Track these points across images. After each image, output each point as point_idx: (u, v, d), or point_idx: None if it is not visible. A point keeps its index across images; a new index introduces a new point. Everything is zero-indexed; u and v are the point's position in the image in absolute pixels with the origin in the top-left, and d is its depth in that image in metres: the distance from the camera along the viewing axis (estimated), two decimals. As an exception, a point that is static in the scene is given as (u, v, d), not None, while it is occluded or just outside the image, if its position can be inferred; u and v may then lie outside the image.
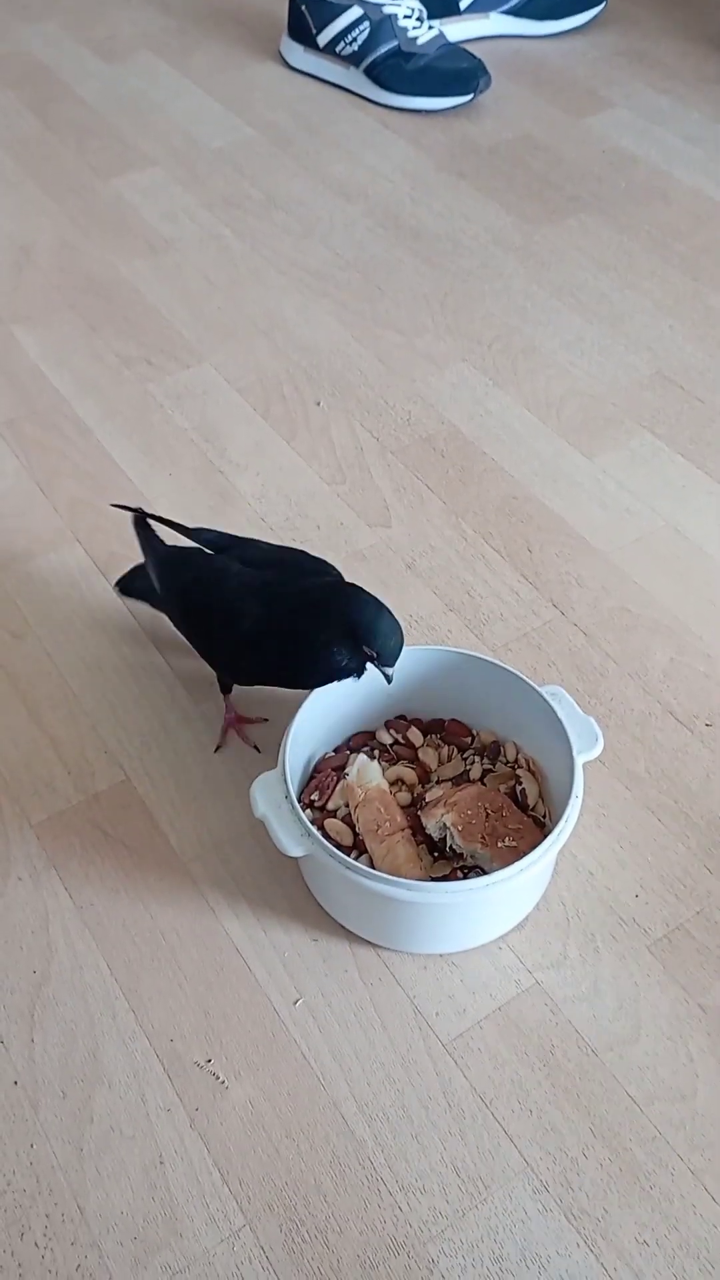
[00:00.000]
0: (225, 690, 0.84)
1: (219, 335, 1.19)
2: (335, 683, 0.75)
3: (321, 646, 0.73)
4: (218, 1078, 0.69)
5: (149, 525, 0.84)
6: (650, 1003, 0.73)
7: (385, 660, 0.74)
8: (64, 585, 0.96)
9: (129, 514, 0.85)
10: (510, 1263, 0.63)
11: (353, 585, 0.76)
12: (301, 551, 0.81)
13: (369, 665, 0.74)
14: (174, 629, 0.85)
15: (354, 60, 1.53)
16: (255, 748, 0.84)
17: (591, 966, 0.74)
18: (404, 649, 0.75)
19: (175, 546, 0.83)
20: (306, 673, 0.75)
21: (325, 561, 0.80)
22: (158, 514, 0.85)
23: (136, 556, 0.91)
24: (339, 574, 0.79)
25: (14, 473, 1.05)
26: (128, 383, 1.14)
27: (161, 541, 0.84)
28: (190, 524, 0.85)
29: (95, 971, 0.73)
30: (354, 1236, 0.64)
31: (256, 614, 0.75)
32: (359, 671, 0.75)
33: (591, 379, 1.16)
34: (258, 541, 0.83)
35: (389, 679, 0.75)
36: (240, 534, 0.84)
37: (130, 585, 0.94)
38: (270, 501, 1.03)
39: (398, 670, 0.75)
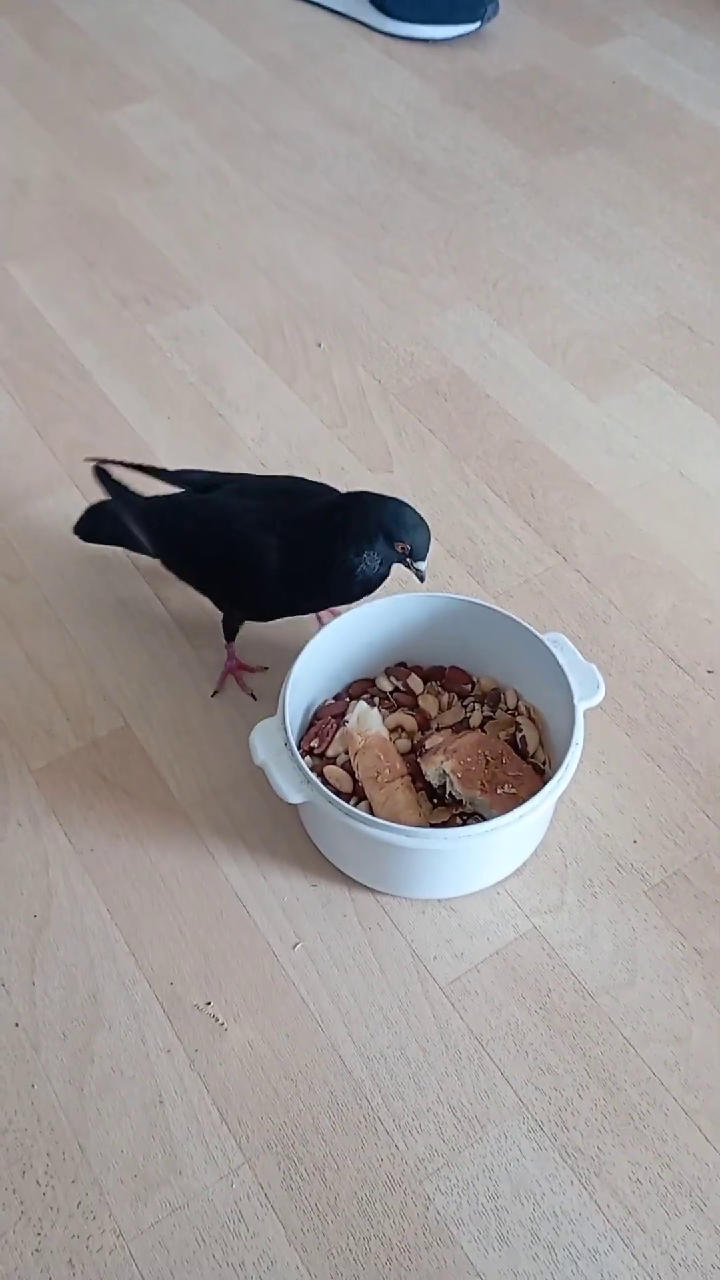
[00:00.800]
0: (230, 636, 0.83)
1: (218, 274, 1.17)
2: (369, 592, 0.75)
3: (353, 555, 0.72)
4: (217, 1020, 0.70)
5: (113, 479, 0.81)
6: (647, 947, 0.73)
7: (417, 553, 0.73)
8: (61, 529, 0.95)
9: (130, 454, 0.83)
10: (504, 1199, 0.64)
11: (363, 491, 0.75)
12: (297, 477, 0.80)
13: (402, 565, 0.74)
14: (168, 573, 0.84)
15: (357, -15, 1.48)
16: (252, 695, 0.84)
17: (589, 911, 0.75)
18: (404, 596, 0.74)
19: (158, 496, 0.81)
20: (339, 590, 0.75)
21: (325, 484, 0.78)
22: (125, 460, 0.82)
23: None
24: (339, 493, 0.78)
25: (9, 415, 1.04)
26: (126, 323, 1.12)
27: (132, 492, 0.81)
28: (193, 468, 0.83)
29: (95, 915, 0.74)
30: (351, 1174, 0.65)
31: (276, 545, 0.73)
32: (387, 571, 0.75)
33: (598, 319, 1.13)
34: (247, 475, 0.81)
35: (422, 575, 0.75)
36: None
37: (95, 531, 0.88)
38: (270, 445, 1.01)
39: (398, 616, 0.75)
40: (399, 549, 0.73)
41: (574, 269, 1.19)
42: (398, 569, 0.76)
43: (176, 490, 0.81)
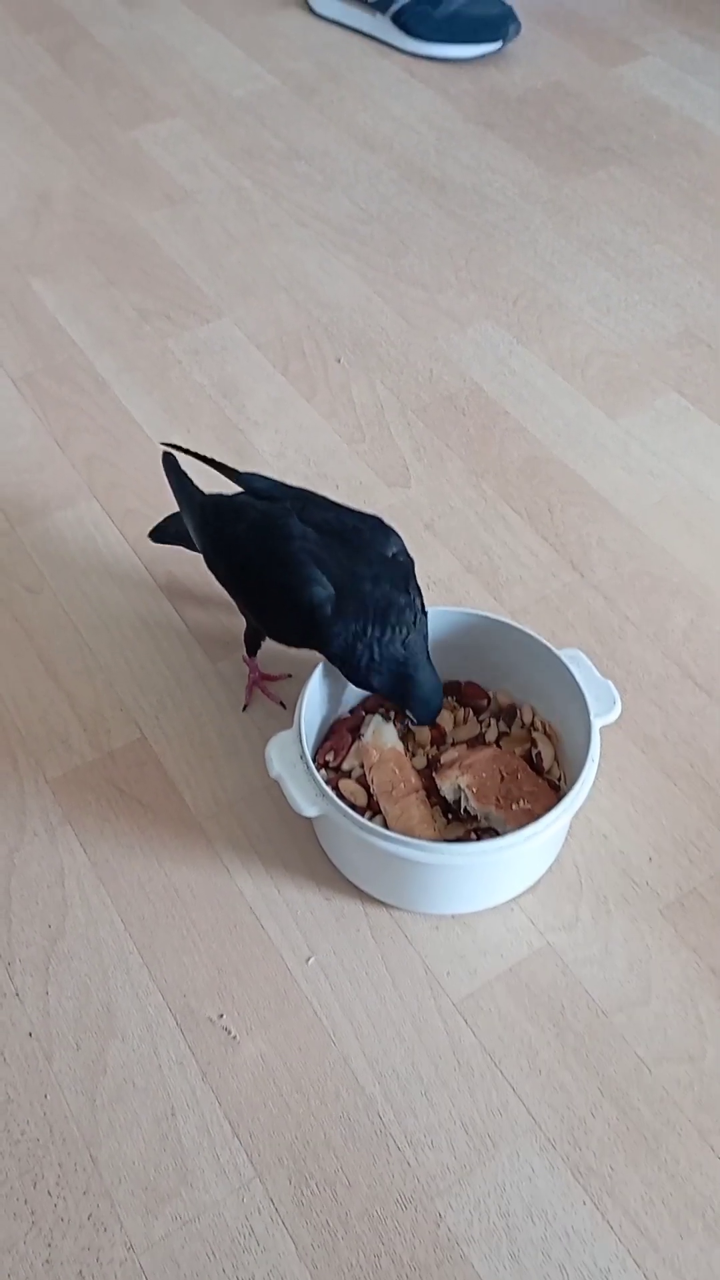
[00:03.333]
0: (252, 651, 0.83)
1: (238, 290, 1.18)
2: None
3: (377, 670, 0.72)
4: (229, 1032, 0.70)
5: (180, 468, 0.80)
6: (661, 965, 0.73)
7: (419, 719, 0.75)
8: (80, 541, 0.95)
9: (149, 467, 0.83)
10: (516, 1218, 0.64)
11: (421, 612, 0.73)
12: (359, 515, 0.76)
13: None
14: (201, 582, 0.83)
15: (380, 6, 1.49)
16: (281, 704, 0.84)
17: (603, 929, 0.74)
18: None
19: (219, 494, 0.79)
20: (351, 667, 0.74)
21: (394, 533, 0.75)
22: (203, 454, 0.81)
23: (153, 513, 0.91)
24: (406, 553, 0.75)
25: (31, 427, 1.04)
26: (146, 337, 1.13)
27: (196, 487, 0.80)
28: (259, 473, 0.81)
29: (109, 927, 0.74)
30: (362, 1190, 0.65)
31: (322, 580, 0.71)
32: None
33: (618, 337, 1.14)
34: (315, 495, 0.78)
35: (415, 723, 0.77)
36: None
37: (164, 531, 0.88)
38: (289, 460, 1.02)
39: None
40: (405, 710, 0.74)
41: (593, 287, 1.19)
42: None
43: (237, 491, 0.79)
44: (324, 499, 0.78)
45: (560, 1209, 0.64)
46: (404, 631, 0.71)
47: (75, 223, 1.25)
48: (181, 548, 0.87)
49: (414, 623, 0.72)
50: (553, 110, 1.41)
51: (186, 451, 0.82)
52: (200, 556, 0.81)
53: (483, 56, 1.48)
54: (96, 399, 1.07)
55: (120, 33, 1.53)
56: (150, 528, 0.90)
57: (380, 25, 1.51)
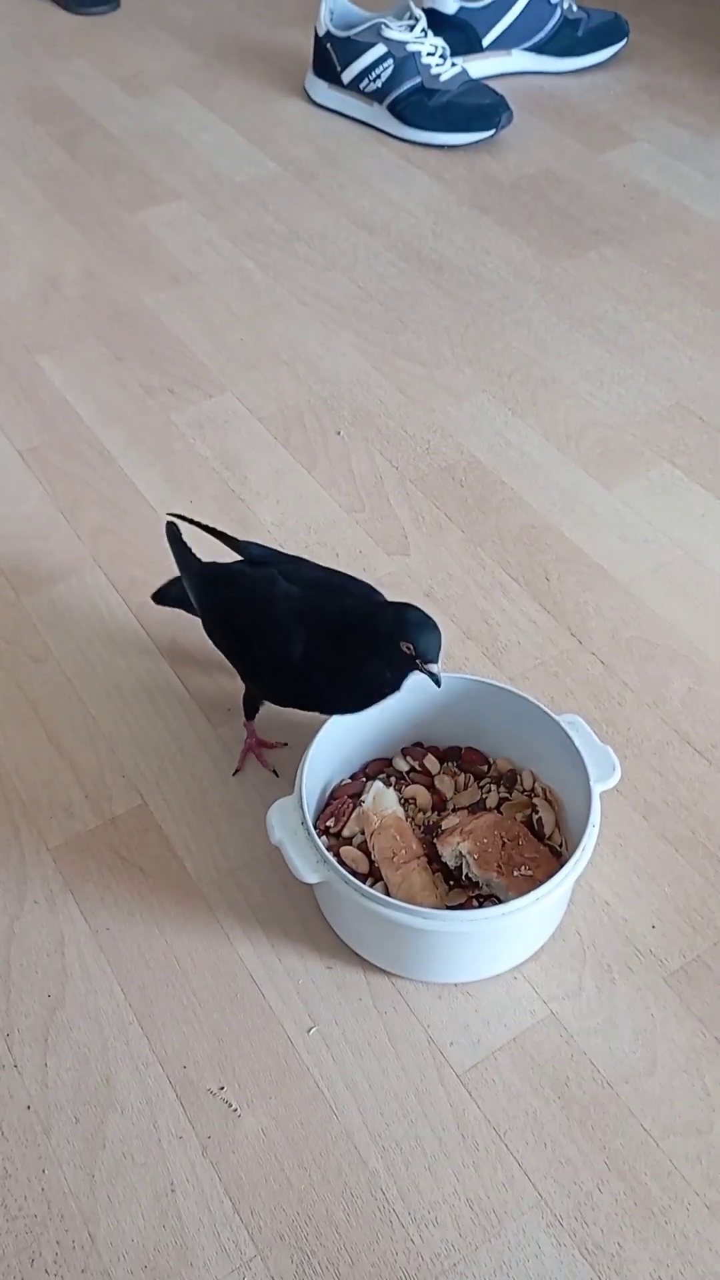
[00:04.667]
0: (250, 715, 0.84)
1: (241, 365, 1.21)
2: (375, 702, 0.74)
3: (361, 661, 0.72)
4: (230, 1105, 0.69)
5: (182, 538, 0.83)
6: (666, 1035, 0.72)
7: (425, 655, 0.71)
8: (85, 610, 0.97)
9: (153, 536, 0.84)
10: (523, 1298, 0.62)
11: (389, 603, 0.75)
12: (350, 576, 0.79)
13: (414, 672, 0.72)
14: (203, 648, 0.84)
15: (378, 96, 1.55)
16: (274, 772, 0.84)
17: (607, 997, 0.74)
18: (421, 676, 0.74)
19: (214, 562, 0.82)
20: (349, 694, 0.74)
21: (372, 587, 0.78)
22: (204, 523, 0.83)
23: (156, 581, 0.92)
24: (383, 599, 0.77)
25: (38, 499, 1.06)
26: (151, 411, 1.15)
27: (195, 556, 0.83)
28: (257, 541, 0.83)
29: (109, 996, 0.73)
30: (365, 1269, 0.63)
31: (303, 638, 0.73)
32: (398, 683, 0.73)
33: (611, 410, 1.16)
34: (305, 561, 0.81)
35: (437, 680, 0.72)
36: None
37: (166, 594, 0.91)
38: (290, 529, 1.04)
39: (415, 697, 0.75)
40: (404, 650, 0.71)
41: (587, 362, 1.22)
42: None
43: (235, 559, 0.82)
44: (318, 565, 0.80)
45: (568, 1288, 0.63)
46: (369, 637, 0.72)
47: (83, 303, 1.28)
48: (182, 611, 0.89)
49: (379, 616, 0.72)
50: (544, 194, 1.46)
51: (190, 521, 0.84)
52: (200, 621, 0.83)
53: (476, 143, 1.54)
54: (102, 471, 1.09)
55: (128, 121, 1.59)
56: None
57: (377, 114, 1.57)
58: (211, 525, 0.84)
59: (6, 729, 0.88)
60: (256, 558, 0.81)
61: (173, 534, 0.83)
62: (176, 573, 0.85)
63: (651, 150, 1.54)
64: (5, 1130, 0.68)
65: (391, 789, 0.79)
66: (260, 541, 1.03)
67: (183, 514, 0.85)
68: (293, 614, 0.75)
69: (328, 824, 0.78)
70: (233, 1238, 0.64)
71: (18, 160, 1.50)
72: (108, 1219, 0.65)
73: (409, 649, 0.71)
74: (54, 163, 1.51)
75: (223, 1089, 0.70)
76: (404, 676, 0.73)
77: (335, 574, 0.80)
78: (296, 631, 0.74)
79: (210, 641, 0.82)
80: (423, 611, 0.72)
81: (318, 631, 0.74)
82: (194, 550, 0.83)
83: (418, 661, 0.71)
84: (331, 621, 0.74)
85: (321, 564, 0.81)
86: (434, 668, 0.71)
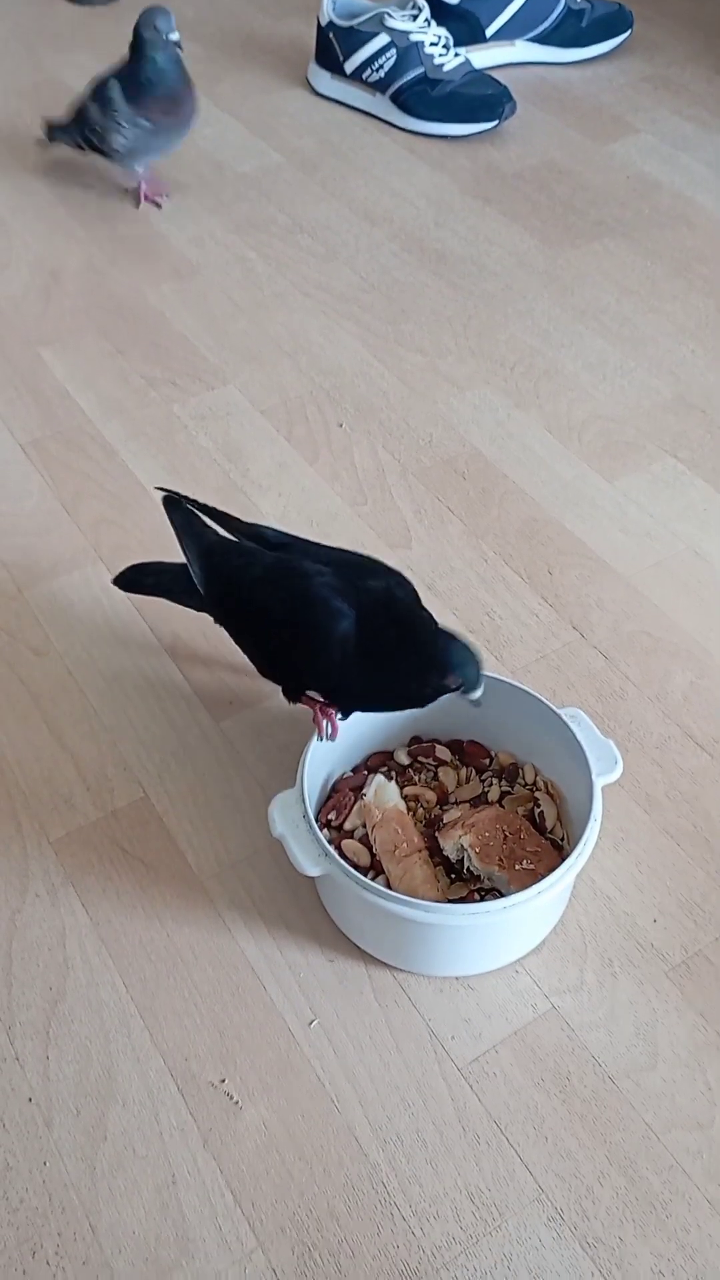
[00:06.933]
0: (294, 696, 0.79)
1: (243, 358, 1.20)
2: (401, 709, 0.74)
3: (407, 674, 0.71)
4: (232, 1098, 0.69)
5: (187, 507, 0.79)
6: (668, 1029, 0.72)
7: (472, 686, 0.71)
8: (86, 603, 0.96)
9: (155, 528, 0.82)
10: (524, 1291, 0.62)
11: (438, 629, 0.73)
12: (356, 552, 0.77)
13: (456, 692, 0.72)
14: (205, 641, 0.82)
15: (380, 87, 1.54)
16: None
17: (609, 991, 0.74)
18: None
19: (226, 537, 0.79)
20: (387, 691, 0.73)
21: (381, 562, 0.76)
22: (204, 502, 0.80)
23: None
24: (400, 575, 0.75)
25: (39, 492, 1.06)
26: (152, 404, 1.15)
27: (203, 524, 0.79)
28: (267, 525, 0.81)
29: (111, 989, 0.73)
30: (366, 1261, 0.63)
31: (349, 615, 0.71)
32: (428, 702, 0.73)
33: (613, 402, 1.16)
34: (317, 543, 0.78)
35: (478, 703, 0.72)
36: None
37: (138, 581, 0.86)
38: (292, 522, 1.03)
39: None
40: (451, 682, 0.71)
41: (589, 354, 1.21)
42: None
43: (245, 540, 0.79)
44: (332, 547, 0.78)
45: (568, 1281, 0.63)
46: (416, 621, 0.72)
47: (85, 297, 1.28)
48: (161, 599, 0.86)
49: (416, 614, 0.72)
50: (547, 185, 1.46)
51: (188, 500, 0.81)
52: (203, 617, 0.82)
53: (479, 134, 1.53)
54: (104, 464, 1.09)
55: (129, 113, 1.58)
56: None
57: (380, 105, 1.56)
58: (212, 506, 0.81)
59: (8, 722, 0.88)
60: (271, 540, 0.78)
61: (172, 505, 0.79)
62: (147, 559, 0.82)
63: (655, 142, 1.53)
64: (6, 1123, 0.68)
65: (393, 782, 0.78)
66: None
67: (176, 492, 0.81)
68: (335, 590, 0.72)
69: (329, 817, 0.78)
70: (234, 1230, 0.64)
71: (19, 157, 1.50)
72: (109, 1211, 0.65)
73: (457, 683, 0.71)
74: (56, 157, 1.50)
75: (224, 1081, 0.70)
76: (436, 698, 0.72)
77: (350, 553, 0.77)
78: (342, 607, 0.71)
79: (214, 630, 0.80)
80: (468, 648, 0.71)
81: (364, 609, 0.71)
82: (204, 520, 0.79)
83: (461, 687, 0.71)
84: (379, 598, 0.72)
85: (332, 546, 0.78)
86: (476, 694, 0.72)
